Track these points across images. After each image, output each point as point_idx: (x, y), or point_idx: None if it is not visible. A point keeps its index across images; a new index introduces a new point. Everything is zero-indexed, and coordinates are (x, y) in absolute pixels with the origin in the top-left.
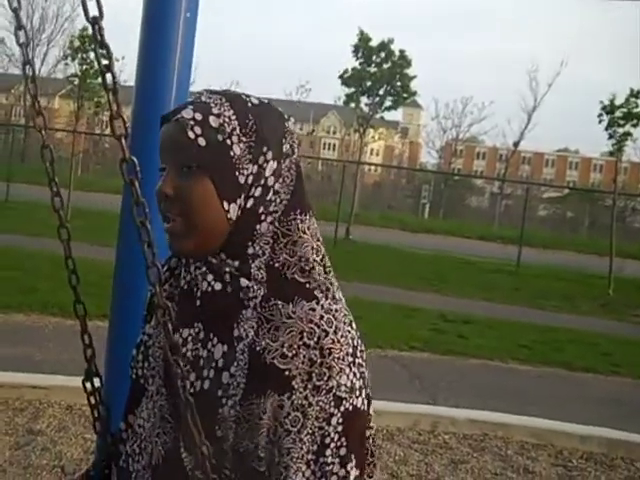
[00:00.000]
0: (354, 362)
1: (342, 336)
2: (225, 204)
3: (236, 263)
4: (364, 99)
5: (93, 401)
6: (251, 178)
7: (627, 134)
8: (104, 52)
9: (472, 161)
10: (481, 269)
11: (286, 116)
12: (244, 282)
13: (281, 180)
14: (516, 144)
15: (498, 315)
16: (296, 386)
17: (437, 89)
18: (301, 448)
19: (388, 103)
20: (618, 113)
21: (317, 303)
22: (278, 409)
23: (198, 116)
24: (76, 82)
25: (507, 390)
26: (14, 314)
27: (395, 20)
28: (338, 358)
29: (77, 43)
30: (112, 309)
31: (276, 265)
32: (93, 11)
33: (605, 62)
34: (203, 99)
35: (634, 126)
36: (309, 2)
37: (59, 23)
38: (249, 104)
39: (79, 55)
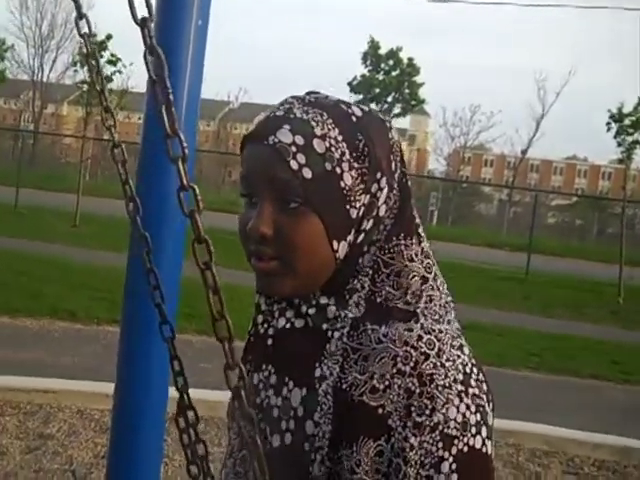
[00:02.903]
0: (466, 392)
1: (447, 360)
2: (335, 243)
3: (332, 300)
4: (372, 106)
5: (187, 440)
6: (362, 210)
7: (636, 142)
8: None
9: (480, 168)
10: (489, 276)
11: (388, 123)
12: (331, 311)
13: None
14: (524, 152)
15: (507, 323)
16: (394, 425)
17: (445, 97)
18: None
19: (396, 110)
20: (627, 121)
21: (416, 322)
22: (376, 458)
23: (299, 140)
24: (85, 88)
25: (517, 398)
26: (23, 319)
27: (404, 29)
28: (443, 386)
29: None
30: (123, 316)
31: (378, 300)
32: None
33: (613, 71)
34: (297, 113)
35: None
36: (317, 10)
37: (68, 29)
38: (353, 117)
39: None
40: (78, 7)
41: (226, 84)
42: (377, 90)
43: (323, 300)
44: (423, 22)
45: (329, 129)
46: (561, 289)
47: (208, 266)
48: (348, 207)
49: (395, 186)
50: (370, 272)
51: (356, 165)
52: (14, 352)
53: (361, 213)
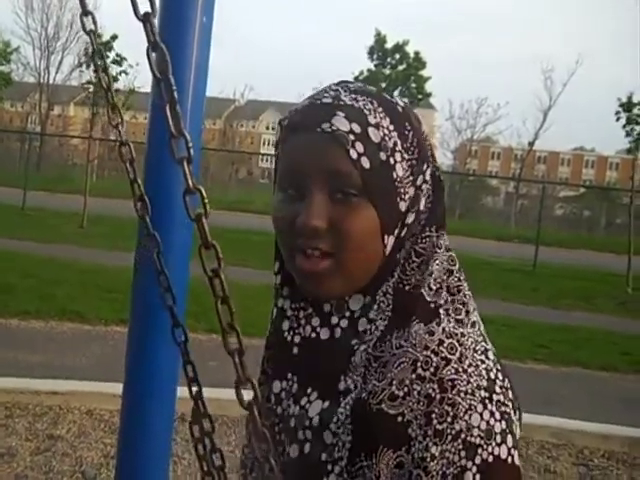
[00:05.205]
0: (490, 398)
1: (470, 365)
2: (385, 238)
3: (367, 299)
4: None
5: (202, 450)
6: (408, 203)
7: None
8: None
9: (487, 161)
10: (498, 269)
11: (419, 116)
12: (362, 324)
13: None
14: (531, 143)
15: (516, 315)
16: (414, 434)
17: (452, 90)
18: None
19: None
20: (636, 110)
21: (438, 324)
22: (396, 470)
23: (356, 128)
24: (91, 89)
25: (526, 390)
26: (32, 320)
27: (410, 22)
28: (465, 392)
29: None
30: (131, 316)
31: (406, 288)
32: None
33: (621, 60)
34: (347, 100)
35: None
36: (321, 4)
37: (74, 31)
38: (399, 107)
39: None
40: (83, 3)
41: (232, 81)
42: (383, 84)
43: (355, 304)
44: (430, 15)
45: (381, 118)
46: (569, 280)
47: (217, 273)
48: (398, 200)
49: (429, 178)
50: (402, 261)
51: (406, 156)
52: (23, 354)
53: (407, 207)
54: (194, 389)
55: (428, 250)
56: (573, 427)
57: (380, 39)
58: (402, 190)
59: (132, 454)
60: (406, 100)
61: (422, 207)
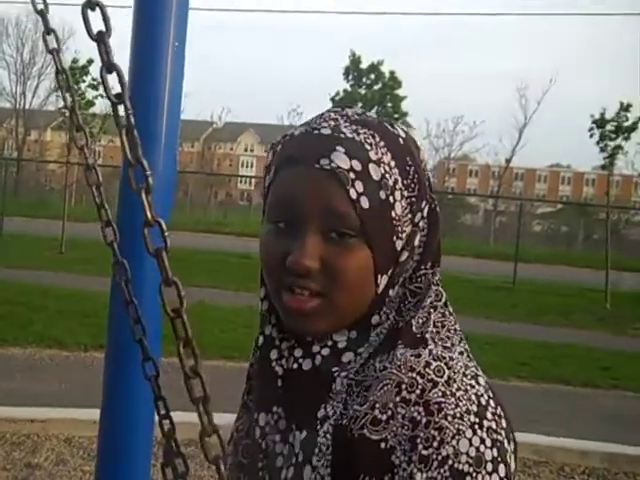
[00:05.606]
0: (480, 424)
1: (459, 389)
2: (379, 278)
3: (353, 334)
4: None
5: None
6: (404, 242)
7: (618, 147)
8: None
9: (465, 179)
10: (478, 287)
11: (418, 143)
12: (347, 357)
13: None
14: (508, 161)
15: (496, 332)
16: (397, 461)
17: (428, 109)
18: None
19: None
20: (609, 127)
21: (424, 348)
22: None
23: (357, 165)
24: (67, 114)
25: (507, 407)
26: (10, 348)
27: (384, 43)
28: (453, 416)
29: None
30: (108, 342)
31: (400, 325)
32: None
33: (594, 78)
34: (347, 132)
35: (625, 139)
36: (297, 27)
37: (49, 56)
38: (400, 140)
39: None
40: (46, 22)
41: (209, 104)
42: (360, 104)
43: (340, 338)
44: (404, 35)
45: (382, 153)
46: (549, 296)
47: (179, 314)
48: (395, 238)
49: (426, 214)
50: (397, 304)
51: (406, 194)
52: (1, 381)
53: (402, 245)
54: (166, 427)
55: (424, 289)
56: (554, 444)
57: (355, 59)
58: (399, 229)
59: None
60: (405, 129)
61: (417, 243)
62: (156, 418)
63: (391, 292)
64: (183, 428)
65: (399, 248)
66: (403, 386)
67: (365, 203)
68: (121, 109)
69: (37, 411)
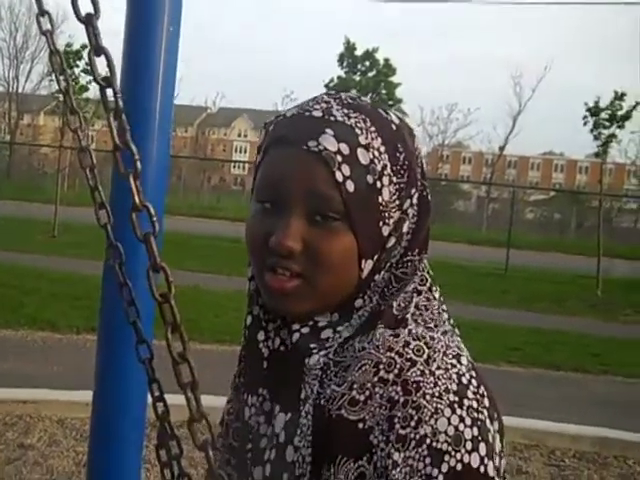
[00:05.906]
0: (460, 403)
1: (439, 368)
2: (363, 262)
3: (335, 317)
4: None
5: (169, 476)
6: (392, 228)
7: (612, 136)
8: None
9: (459, 166)
10: (470, 273)
11: (413, 131)
12: (326, 334)
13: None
14: (502, 148)
15: (488, 318)
16: (375, 442)
17: (422, 96)
18: None
19: None
20: (603, 115)
21: (404, 327)
22: None
23: (344, 149)
24: (61, 98)
25: (498, 392)
26: (2, 330)
27: (379, 29)
28: (432, 395)
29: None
30: (100, 324)
31: (382, 308)
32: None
33: (589, 66)
34: (338, 116)
35: (619, 128)
36: (292, 12)
37: (43, 40)
38: (393, 126)
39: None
40: (40, 3)
41: (204, 89)
42: (354, 91)
43: (322, 319)
44: (399, 22)
45: (372, 138)
46: (541, 283)
47: (167, 299)
48: (381, 224)
49: (416, 201)
50: (381, 287)
51: (395, 180)
52: None
53: (390, 231)
54: (160, 409)
55: (409, 274)
56: (544, 428)
57: (350, 47)
58: (386, 214)
59: (102, 462)
60: (400, 115)
61: (405, 229)
62: (150, 400)
63: (376, 277)
64: (176, 410)
65: (386, 234)
66: (381, 366)
67: (351, 187)
68: (110, 93)
69: (30, 392)
